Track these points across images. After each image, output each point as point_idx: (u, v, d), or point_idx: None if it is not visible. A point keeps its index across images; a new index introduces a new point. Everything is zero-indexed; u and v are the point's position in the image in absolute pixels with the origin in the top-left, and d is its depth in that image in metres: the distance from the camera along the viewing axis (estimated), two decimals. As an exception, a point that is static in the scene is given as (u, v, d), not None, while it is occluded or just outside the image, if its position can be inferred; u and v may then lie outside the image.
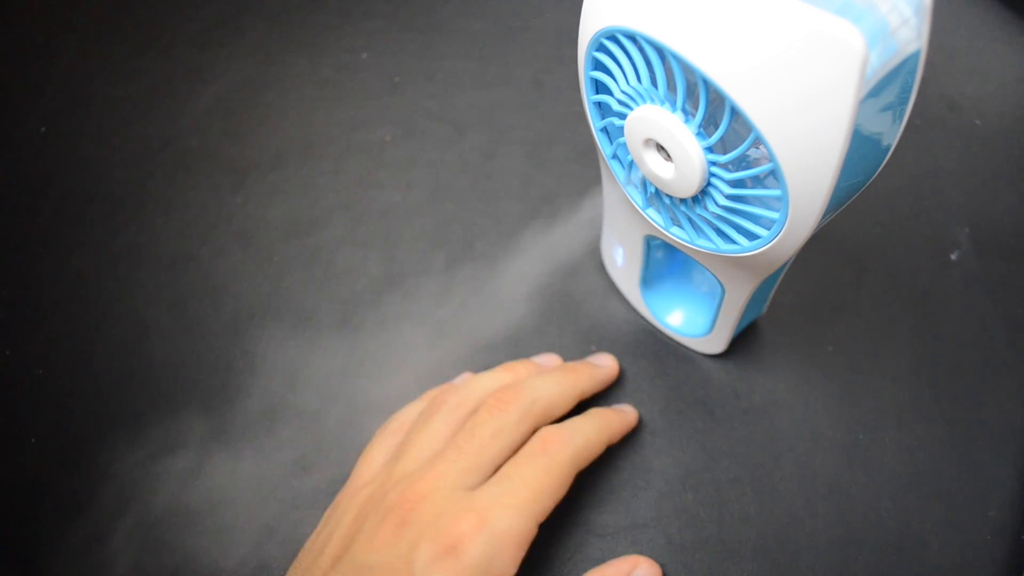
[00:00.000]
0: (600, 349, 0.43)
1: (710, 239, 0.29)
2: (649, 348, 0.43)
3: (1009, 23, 0.53)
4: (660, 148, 0.27)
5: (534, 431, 0.36)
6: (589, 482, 0.39)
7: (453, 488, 0.32)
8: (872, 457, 0.39)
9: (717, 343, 0.41)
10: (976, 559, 0.37)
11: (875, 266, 0.44)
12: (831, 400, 0.41)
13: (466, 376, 0.41)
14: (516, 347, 0.43)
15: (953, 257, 0.45)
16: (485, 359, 0.43)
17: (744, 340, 0.43)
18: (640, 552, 0.37)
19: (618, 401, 0.41)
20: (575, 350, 0.43)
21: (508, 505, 0.32)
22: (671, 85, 0.25)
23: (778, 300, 0.42)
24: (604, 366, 0.41)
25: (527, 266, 0.46)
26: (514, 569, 0.31)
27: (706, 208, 0.28)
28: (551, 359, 0.42)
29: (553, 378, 0.38)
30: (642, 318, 0.44)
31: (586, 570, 0.37)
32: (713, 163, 0.26)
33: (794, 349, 0.42)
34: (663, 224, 0.32)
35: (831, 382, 0.41)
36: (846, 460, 0.39)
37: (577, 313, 0.44)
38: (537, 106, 0.52)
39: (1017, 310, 0.43)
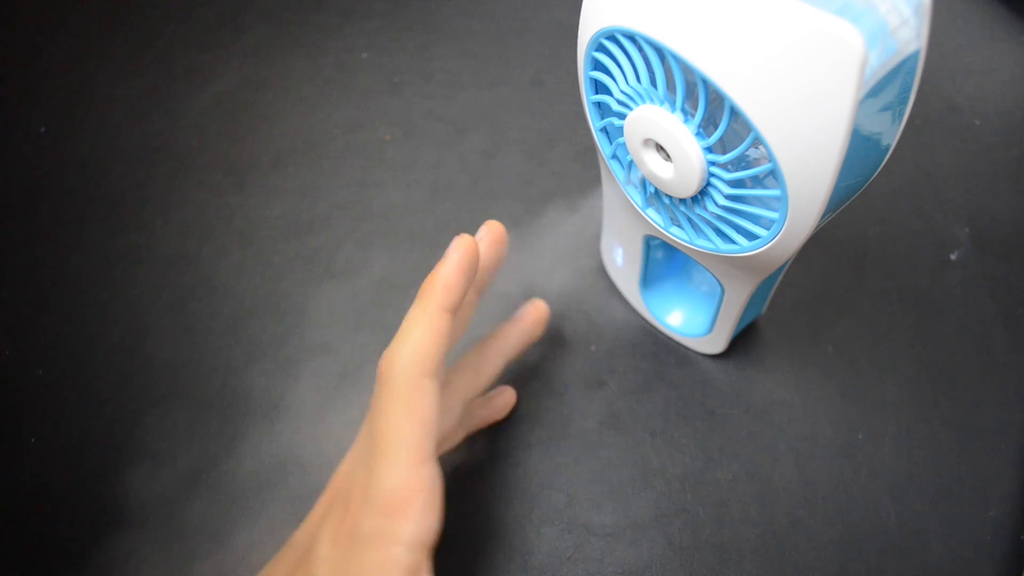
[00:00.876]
0: (600, 349, 0.43)
1: (710, 239, 0.29)
2: (649, 348, 0.43)
3: (1009, 23, 0.53)
4: (660, 148, 0.27)
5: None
6: (588, 481, 0.39)
7: None
8: (872, 457, 0.39)
9: (717, 343, 0.41)
10: (976, 559, 0.37)
11: (875, 266, 0.44)
12: (831, 400, 0.41)
13: None
14: (516, 347, 0.43)
15: (953, 257, 0.45)
16: (485, 359, 0.43)
17: (744, 340, 0.43)
18: (640, 552, 0.37)
19: (620, 400, 0.41)
20: (575, 349, 0.43)
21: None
22: (670, 85, 0.25)
23: (778, 300, 0.42)
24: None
25: (527, 265, 0.46)
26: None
27: (706, 208, 0.28)
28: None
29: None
30: (642, 318, 0.44)
31: (586, 570, 0.37)
32: (712, 163, 0.26)
33: (794, 349, 0.42)
34: (663, 224, 0.32)
35: (831, 382, 0.41)
36: (846, 460, 0.39)
37: (577, 313, 0.44)
38: (537, 106, 0.52)
39: (1017, 310, 0.43)
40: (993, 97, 0.50)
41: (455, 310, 0.32)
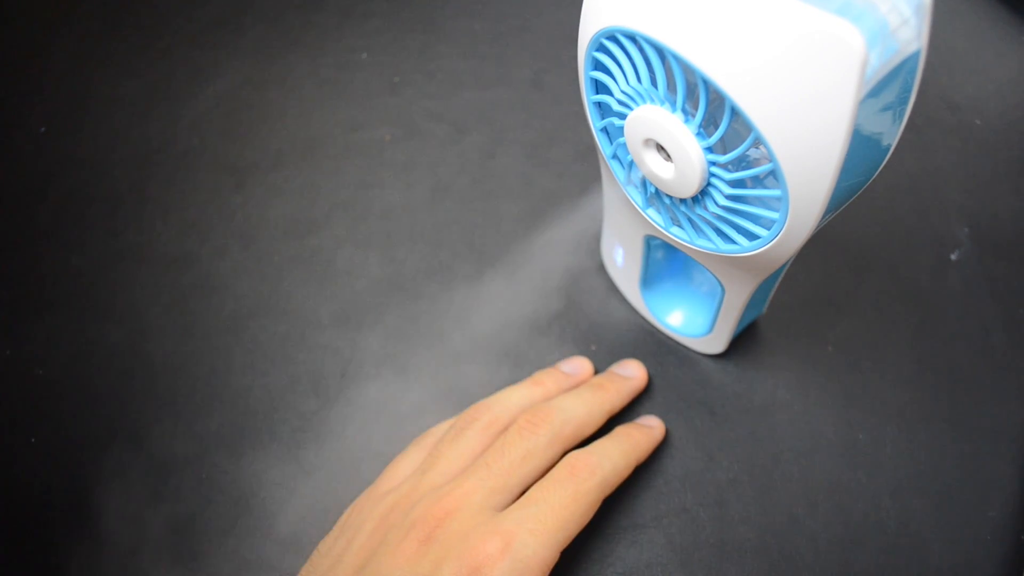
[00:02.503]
0: (600, 349, 0.43)
1: (710, 239, 0.29)
2: (649, 348, 0.43)
3: (1009, 23, 0.53)
4: (660, 148, 0.27)
5: (563, 453, 0.36)
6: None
7: (480, 508, 0.32)
8: (872, 457, 0.39)
9: (717, 343, 0.41)
10: (976, 559, 0.37)
11: (875, 266, 0.44)
12: (831, 400, 0.41)
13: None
14: (516, 347, 0.43)
15: (953, 257, 0.45)
16: (485, 359, 0.43)
17: (744, 340, 0.43)
18: (640, 552, 0.37)
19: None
20: (575, 350, 0.43)
21: (533, 531, 0.31)
22: (671, 85, 0.25)
23: (778, 300, 0.42)
24: (632, 376, 0.41)
25: (527, 266, 0.46)
26: None
27: (706, 208, 0.28)
28: (580, 366, 0.42)
29: (582, 398, 0.38)
30: (642, 318, 0.44)
31: (586, 570, 0.37)
32: (713, 163, 0.26)
33: (794, 349, 0.42)
34: (663, 224, 0.32)
35: (831, 382, 0.41)
36: (846, 460, 0.39)
37: (577, 313, 0.44)
38: (537, 106, 0.52)
39: (1017, 310, 0.43)
40: (993, 97, 0.50)
41: None
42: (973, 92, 0.51)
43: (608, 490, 0.35)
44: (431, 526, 0.32)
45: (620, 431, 0.38)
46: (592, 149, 0.49)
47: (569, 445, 0.36)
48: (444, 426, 0.39)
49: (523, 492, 0.34)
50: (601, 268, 0.46)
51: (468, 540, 0.31)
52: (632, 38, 0.26)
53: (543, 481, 0.34)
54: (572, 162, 0.50)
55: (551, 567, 0.32)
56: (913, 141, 0.48)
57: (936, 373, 0.41)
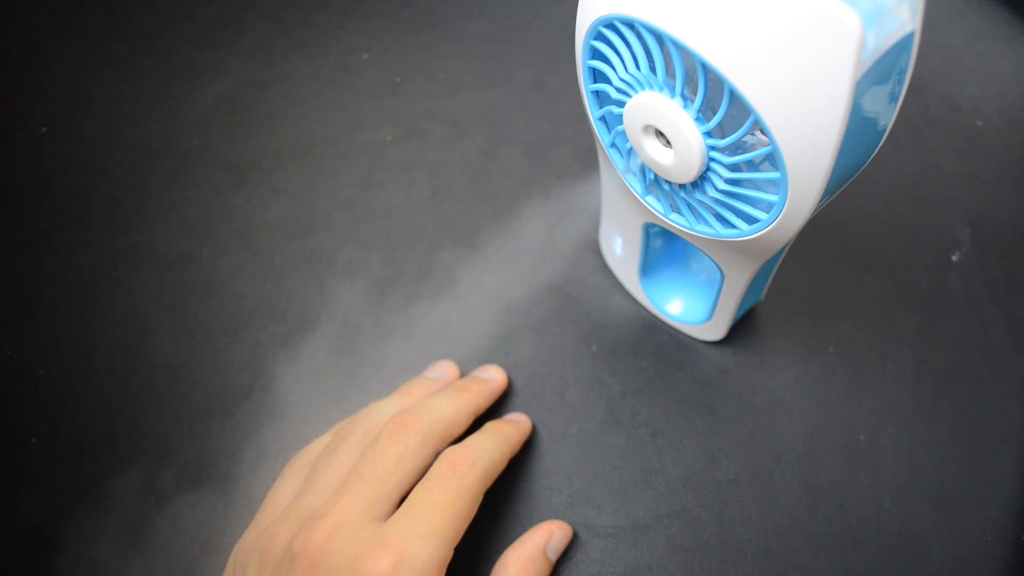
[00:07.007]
0: (600, 349, 0.43)
1: (709, 224, 0.29)
2: (649, 348, 0.43)
3: (1009, 23, 0.54)
4: (659, 134, 0.27)
5: (436, 454, 0.35)
6: (589, 482, 0.39)
7: (361, 522, 0.31)
8: (872, 457, 0.39)
9: (717, 330, 0.41)
10: (976, 560, 0.36)
11: (875, 266, 0.44)
12: (831, 400, 0.41)
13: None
14: (516, 347, 0.43)
15: (953, 257, 0.44)
16: (485, 359, 0.43)
17: (744, 340, 0.42)
18: (641, 553, 0.37)
19: (621, 400, 0.41)
20: (575, 350, 0.43)
21: (423, 535, 0.30)
22: (670, 71, 0.26)
23: (778, 301, 0.42)
24: (493, 379, 0.41)
25: (527, 266, 0.46)
26: None
27: (705, 193, 0.28)
28: (444, 369, 0.42)
29: (448, 398, 0.37)
30: (643, 314, 0.44)
31: (587, 570, 0.37)
32: (712, 147, 0.26)
33: (794, 349, 0.42)
34: (662, 211, 0.32)
35: (831, 382, 0.41)
36: (846, 460, 0.39)
37: (577, 313, 0.44)
38: (537, 106, 0.53)
39: (1018, 310, 0.43)
40: (994, 97, 0.50)
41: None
42: (974, 92, 0.51)
43: (488, 482, 0.34)
44: (315, 553, 0.30)
45: (490, 425, 0.38)
46: (592, 149, 0.49)
47: (441, 445, 0.35)
48: (317, 444, 0.38)
49: (403, 497, 0.33)
50: (601, 267, 0.45)
51: (358, 561, 0.30)
52: (630, 25, 0.26)
53: (424, 482, 0.33)
54: (572, 162, 0.50)
55: (446, 565, 0.31)
56: (913, 141, 0.48)
57: (936, 373, 0.41)
